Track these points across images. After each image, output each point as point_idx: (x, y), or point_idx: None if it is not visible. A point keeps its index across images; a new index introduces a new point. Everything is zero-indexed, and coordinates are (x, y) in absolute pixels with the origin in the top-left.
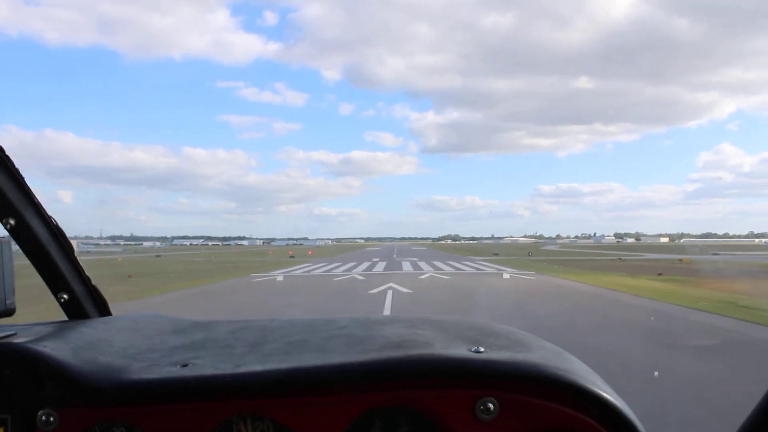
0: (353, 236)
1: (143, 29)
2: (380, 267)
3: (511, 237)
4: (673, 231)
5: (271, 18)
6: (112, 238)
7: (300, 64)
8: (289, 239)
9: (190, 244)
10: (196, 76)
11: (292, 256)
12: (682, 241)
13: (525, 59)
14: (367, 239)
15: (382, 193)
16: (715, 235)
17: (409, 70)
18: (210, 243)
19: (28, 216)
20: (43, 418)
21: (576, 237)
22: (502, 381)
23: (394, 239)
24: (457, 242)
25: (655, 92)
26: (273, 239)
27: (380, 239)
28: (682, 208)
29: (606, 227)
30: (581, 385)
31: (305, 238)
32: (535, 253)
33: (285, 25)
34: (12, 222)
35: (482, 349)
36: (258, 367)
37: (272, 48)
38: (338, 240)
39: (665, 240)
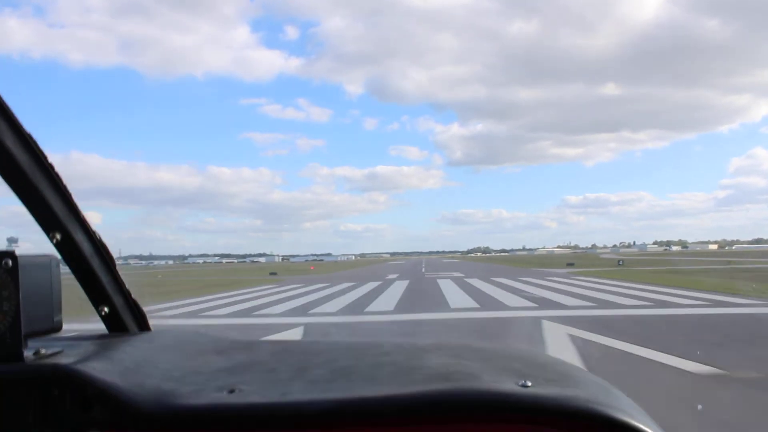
0: (379, 251)
1: (164, 48)
2: (393, 294)
3: (544, 248)
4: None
5: (292, 33)
6: (131, 257)
7: (322, 79)
8: (312, 255)
9: (204, 262)
10: (219, 94)
11: (273, 273)
12: (734, 248)
13: (550, 67)
14: (393, 254)
15: (408, 208)
16: (765, 241)
17: (432, 82)
18: (224, 261)
19: (73, 230)
20: None
21: (614, 246)
22: (549, 416)
23: (421, 253)
24: (489, 254)
25: (685, 97)
26: (295, 255)
27: (407, 254)
28: (714, 215)
29: (635, 236)
30: (629, 422)
31: (329, 254)
32: (621, 263)
33: (306, 40)
34: (58, 236)
35: (529, 383)
36: (305, 396)
37: (294, 63)
38: (362, 255)
39: (714, 247)
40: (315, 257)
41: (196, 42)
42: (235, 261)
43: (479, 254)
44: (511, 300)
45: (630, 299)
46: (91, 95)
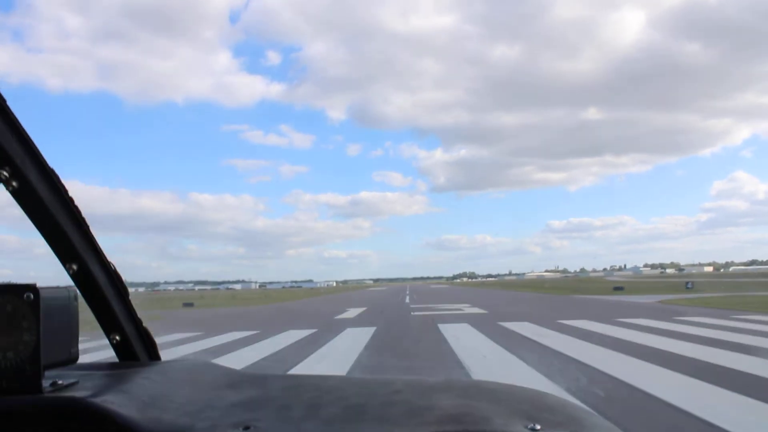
0: (364, 278)
1: (143, 73)
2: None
3: (533, 272)
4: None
5: (274, 58)
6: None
7: (305, 105)
8: (292, 282)
9: (175, 289)
10: (200, 120)
11: (188, 304)
12: (731, 269)
13: (533, 92)
14: (376, 280)
15: (392, 234)
16: (760, 262)
17: (415, 107)
18: (197, 288)
19: (90, 261)
20: None
21: (605, 269)
22: None
23: (405, 279)
24: (475, 279)
25: (667, 121)
26: (274, 282)
27: (391, 280)
28: (696, 239)
29: (618, 260)
30: None
31: (310, 281)
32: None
33: (288, 65)
34: (75, 267)
35: (538, 427)
36: None
37: (276, 89)
38: (345, 282)
39: (709, 269)
40: (294, 284)
41: (177, 67)
42: (208, 288)
43: (465, 279)
44: None
45: None
46: (71, 121)
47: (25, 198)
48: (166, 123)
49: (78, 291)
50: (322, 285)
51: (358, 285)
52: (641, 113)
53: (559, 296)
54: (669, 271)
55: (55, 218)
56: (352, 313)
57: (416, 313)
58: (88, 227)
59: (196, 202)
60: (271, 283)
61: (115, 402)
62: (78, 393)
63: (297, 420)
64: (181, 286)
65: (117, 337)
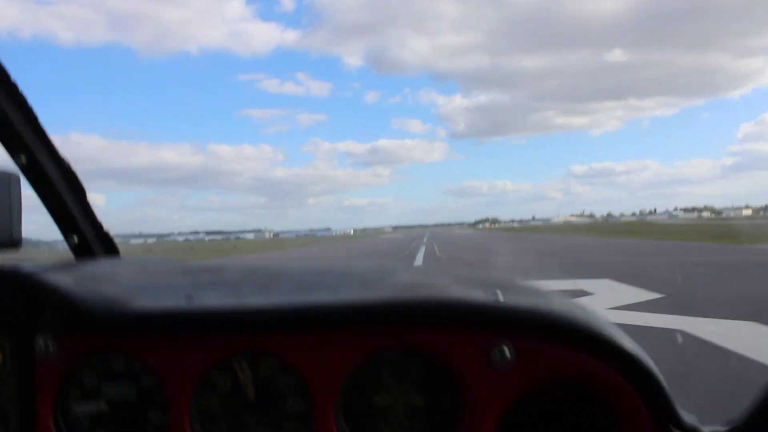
0: (384, 225)
1: (156, 23)
2: None
3: (558, 216)
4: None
5: (287, 3)
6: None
7: (321, 52)
8: (309, 230)
9: (185, 240)
10: (215, 69)
11: None
12: None
13: (555, 33)
14: (396, 227)
15: (412, 181)
16: None
17: (434, 52)
18: (207, 238)
19: (40, 154)
20: (42, 344)
21: (633, 214)
22: (519, 327)
23: (426, 226)
24: (498, 224)
25: (695, 61)
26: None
27: (411, 227)
28: (721, 183)
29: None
30: (604, 334)
31: (328, 228)
32: None
33: (302, 11)
34: (23, 158)
35: (500, 294)
36: (265, 302)
37: (291, 36)
38: (364, 229)
39: (748, 212)
40: (310, 232)
41: (189, 16)
42: (219, 238)
43: (488, 225)
44: None
45: None
46: (85, 75)
47: None
48: (181, 74)
49: (24, 179)
50: (339, 233)
51: (377, 232)
52: (668, 54)
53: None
54: (705, 214)
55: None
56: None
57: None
58: (36, 116)
59: (215, 153)
60: (286, 231)
61: (52, 275)
62: (17, 268)
63: (244, 293)
64: (191, 237)
65: (75, 238)
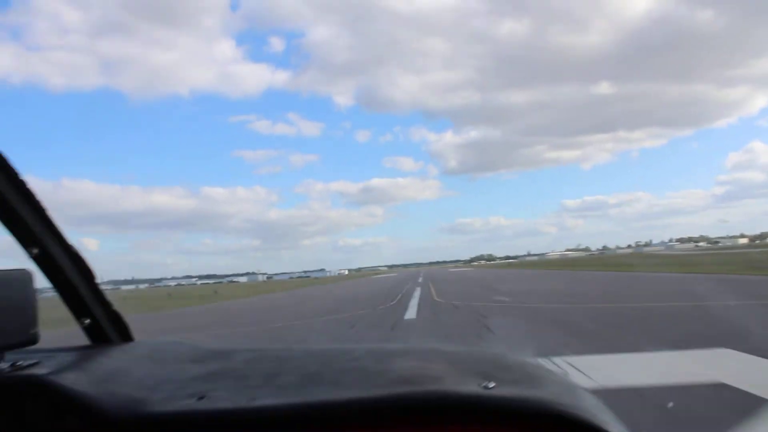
0: (379, 264)
1: (147, 66)
2: None
3: (554, 251)
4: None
5: (277, 44)
6: (107, 282)
7: (311, 92)
8: (303, 272)
9: (176, 284)
10: (206, 111)
11: None
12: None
13: (543, 68)
14: (392, 266)
15: (405, 220)
16: None
17: (424, 90)
18: (199, 282)
19: (51, 244)
20: None
21: (629, 246)
22: (511, 418)
23: (420, 264)
24: (493, 261)
25: (681, 92)
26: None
27: (405, 266)
28: (713, 212)
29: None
30: (591, 422)
31: (322, 270)
32: None
33: (292, 52)
34: (36, 251)
35: (492, 385)
36: (272, 401)
37: (281, 77)
38: (359, 269)
39: (744, 241)
40: (305, 273)
41: (180, 59)
42: (211, 282)
43: (483, 262)
44: None
45: None
46: (77, 119)
47: None
48: (172, 117)
49: (36, 273)
50: (334, 273)
51: (371, 272)
52: (654, 85)
53: None
54: (701, 244)
55: (9, 201)
56: None
57: None
58: (45, 210)
59: (207, 195)
60: (280, 273)
61: (70, 378)
62: (36, 371)
63: (253, 388)
64: (184, 281)
65: (87, 321)
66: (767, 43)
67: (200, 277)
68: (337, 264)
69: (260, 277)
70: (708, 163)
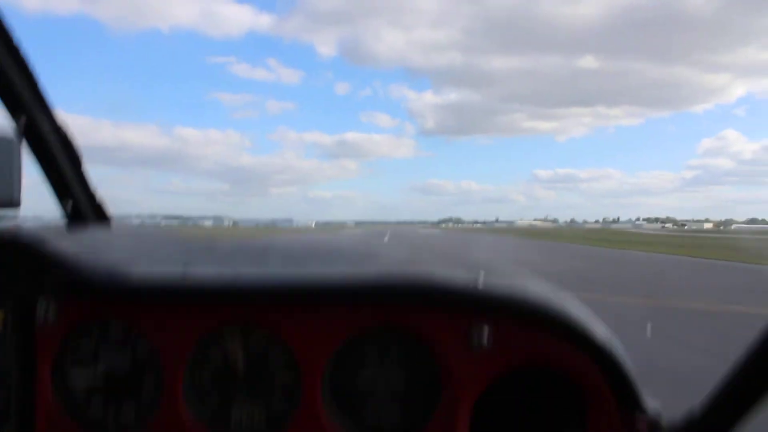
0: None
1: None
2: None
3: (522, 220)
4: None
5: None
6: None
7: (294, 39)
8: (271, 220)
9: (140, 222)
10: (186, 49)
11: None
12: (733, 227)
13: (530, 36)
14: (359, 223)
15: (378, 177)
16: (762, 221)
17: (408, 46)
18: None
19: (40, 118)
20: (43, 308)
21: (597, 221)
22: (498, 311)
23: (389, 223)
24: (461, 225)
25: (664, 73)
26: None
27: (374, 223)
28: (679, 195)
29: (601, 213)
30: (577, 321)
31: (290, 220)
32: None
33: None
34: (24, 120)
35: (482, 276)
36: (258, 274)
37: (264, 20)
38: (327, 223)
39: (709, 225)
40: (271, 222)
41: None
42: (175, 223)
43: (450, 225)
44: None
45: None
46: (50, 45)
47: None
48: (150, 52)
49: (24, 144)
50: (301, 225)
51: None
52: (639, 64)
53: None
54: (668, 225)
55: (3, 68)
56: None
57: None
58: (38, 80)
59: (180, 136)
60: (247, 220)
61: (53, 242)
62: (20, 231)
63: (238, 264)
64: (147, 220)
65: (69, 203)
66: (755, 32)
67: (165, 217)
68: (305, 215)
69: (226, 222)
70: (681, 147)
